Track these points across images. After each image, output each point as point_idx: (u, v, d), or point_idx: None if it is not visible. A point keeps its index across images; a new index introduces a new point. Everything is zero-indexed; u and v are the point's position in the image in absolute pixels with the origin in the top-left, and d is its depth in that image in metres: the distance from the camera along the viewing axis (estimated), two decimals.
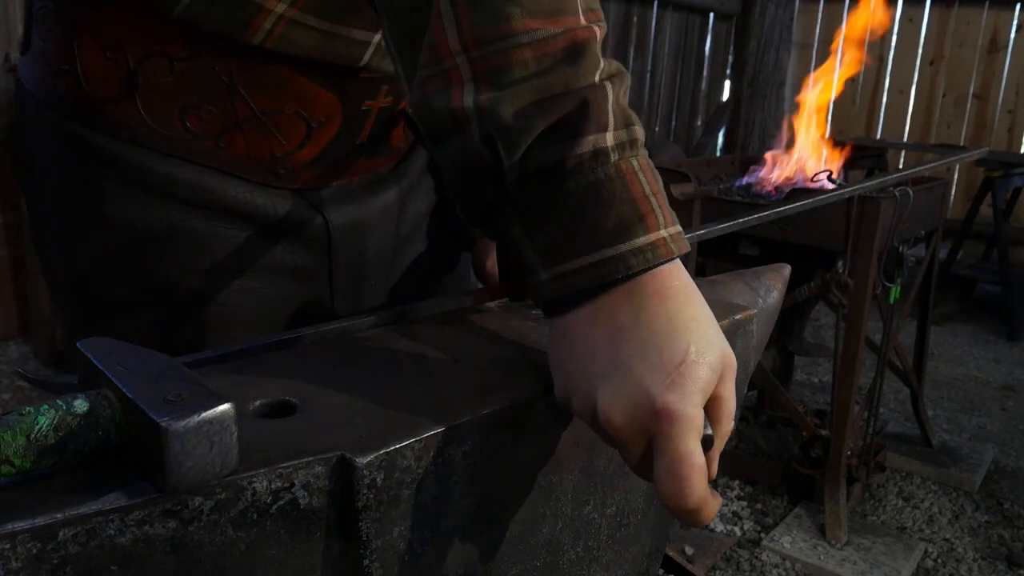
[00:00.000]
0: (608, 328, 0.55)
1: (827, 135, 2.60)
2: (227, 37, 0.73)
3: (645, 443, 0.54)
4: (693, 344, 0.53)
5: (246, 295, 0.83)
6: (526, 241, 0.57)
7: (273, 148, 0.79)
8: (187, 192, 0.78)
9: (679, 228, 0.57)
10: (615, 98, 0.56)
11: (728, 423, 0.57)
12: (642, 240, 0.54)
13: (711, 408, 0.55)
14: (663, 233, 0.55)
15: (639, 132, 0.58)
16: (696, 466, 0.52)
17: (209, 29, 0.73)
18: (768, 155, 2.56)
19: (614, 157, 0.55)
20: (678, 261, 0.57)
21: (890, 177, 1.36)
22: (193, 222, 0.79)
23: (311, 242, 0.86)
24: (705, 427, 0.53)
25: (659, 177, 0.58)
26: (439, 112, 0.56)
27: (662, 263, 0.55)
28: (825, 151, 2.58)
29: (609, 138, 0.55)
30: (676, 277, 0.56)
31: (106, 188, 0.78)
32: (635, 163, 0.56)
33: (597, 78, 0.56)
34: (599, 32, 0.57)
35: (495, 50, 0.54)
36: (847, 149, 2.69)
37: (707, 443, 0.53)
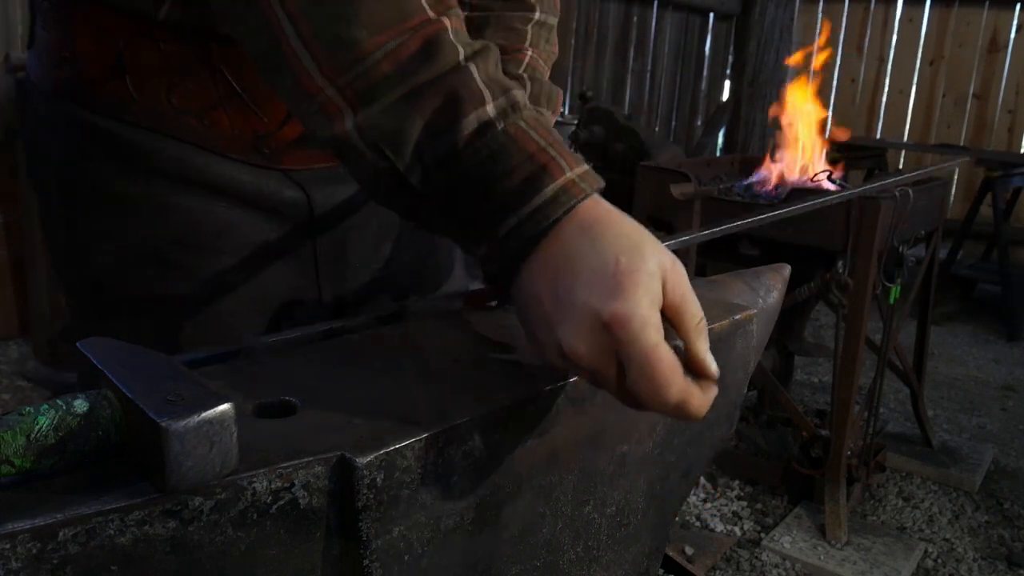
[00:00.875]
0: (549, 275, 0.56)
1: (827, 135, 2.60)
2: (208, 29, 0.77)
3: (615, 362, 0.54)
4: (622, 255, 0.55)
5: (236, 273, 0.85)
6: (453, 228, 0.61)
7: (255, 126, 0.82)
8: (176, 169, 0.81)
9: (585, 167, 0.59)
10: (483, 73, 0.59)
11: (692, 319, 0.56)
12: (551, 188, 0.57)
13: (668, 314, 0.56)
14: (570, 175, 0.58)
15: (518, 95, 0.60)
16: (663, 360, 0.52)
17: (191, 25, 0.76)
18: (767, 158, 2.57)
19: (500, 125, 0.58)
20: (594, 195, 0.59)
21: (900, 177, 1.36)
22: (183, 199, 0.82)
23: (295, 222, 0.88)
24: (673, 339, 0.54)
25: (552, 128, 0.61)
26: (328, 142, 0.60)
27: (576, 202, 0.57)
28: (825, 151, 2.58)
29: (490, 109, 0.58)
30: (594, 209, 0.58)
31: (103, 166, 0.81)
32: (522, 124, 0.59)
33: (461, 60, 0.58)
34: (450, 21, 0.60)
35: (356, 74, 0.57)
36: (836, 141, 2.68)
37: (678, 353, 0.54)
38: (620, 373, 0.54)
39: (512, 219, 0.57)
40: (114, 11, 0.77)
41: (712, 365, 0.56)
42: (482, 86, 0.58)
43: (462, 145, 0.57)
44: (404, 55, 0.57)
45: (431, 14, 0.59)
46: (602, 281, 0.54)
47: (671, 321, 0.56)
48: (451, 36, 0.59)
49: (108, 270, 0.85)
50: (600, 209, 0.58)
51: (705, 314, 0.78)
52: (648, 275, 0.54)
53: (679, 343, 0.55)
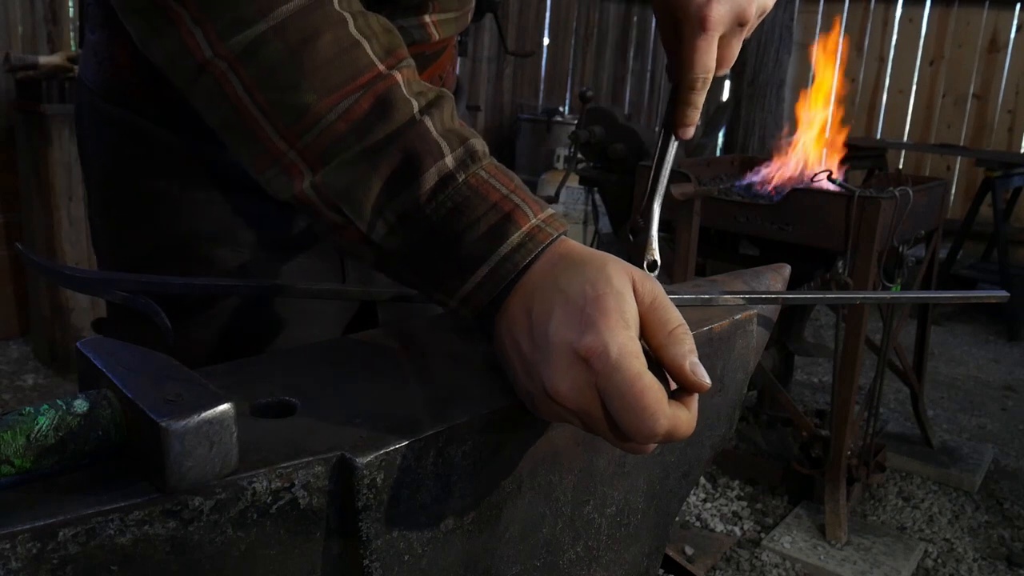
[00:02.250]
0: (524, 320, 0.56)
1: (827, 135, 2.60)
2: None
3: (598, 398, 0.52)
4: (587, 284, 0.54)
5: (263, 266, 0.87)
6: (422, 282, 0.60)
7: None
8: (208, 166, 0.83)
9: (551, 211, 0.59)
10: (439, 124, 0.59)
11: (664, 327, 0.54)
12: (517, 236, 0.57)
13: (643, 325, 0.54)
14: (535, 222, 0.58)
15: (477, 144, 0.60)
16: (647, 389, 0.50)
17: None
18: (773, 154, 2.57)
19: (461, 176, 0.58)
20: (563, 239, 0.59)
21: None
22: (212, 194, 0.84)
23: None
24: (655, 364, 0.52)
25: (513, 176, 0.60)
26: (289, 201, 0.61)
27: (543, 248, 0.57)
28: (825, 151, 2.58)
29: (449, 161, 0.58)
30: (561, 250, 0.58)
31: (137, 163, 0.85)
32: (483, 173, 0.59)
33: (416, 114, 0.59)
34: (402, 75, 0.60)
35: (312, 138, 0.58)
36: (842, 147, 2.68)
37: (663, 380, 0.52)
38: (606, 412, 0.53)
39: (482, 269, 0.57)
40: None
41: (695, 375, 0.53)
42: (439, 138, 0.58)
43: (424, 200, 0.57)
44: (358, 114, 0.58)
45: (381, 68, 0.59)
46: (573, 315, 0.53)
47: (645, 333, 0.54)
48: (403, 90, 0.59)
49: (139, 262, 0.87)
50: (566, 249, 0.58)
51: (704, 315, 0.78)
52: (616, 296, 0.53)
53: (662, 370, 0.54)
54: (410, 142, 0.58)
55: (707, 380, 0.53)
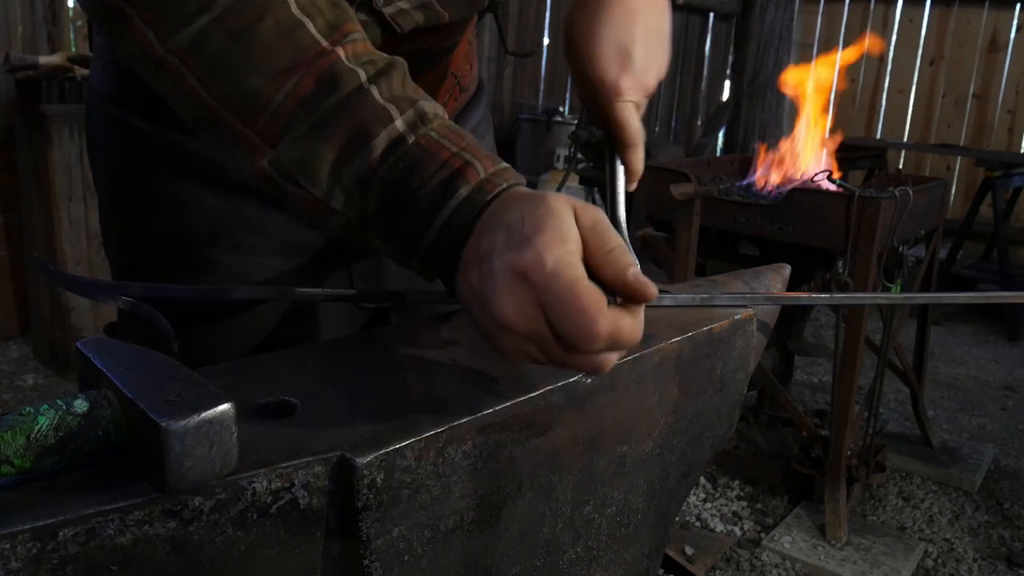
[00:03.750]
0: (475, 259, 0.57)
1: (827, 135, 2.60)
2: None
3: (543, 315, 0.52)
4: (526, 210, 0.55)
5: (267, 272, 0.86)
6: (384, 245, 0.62)
7: None
8: (209, 169, 0.83)
9: (503, 165, 0.61)
10: (387, 91, 0.61)
11: (602, 246, 0.54)
12: (465, 189, 0.58)
13: (585, 246, 0.54)
14: (484, 175, 0.59)
15: (427, 106, 0.62)
16: (584, 292, 0.51)
17: None
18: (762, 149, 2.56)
19: (411, 139, 0.60)
20: (514, 188, 0.60)
21: None
22: (215, 199, 0.84)
23: None
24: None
25: (465, 134, 0.62)
26: (256, 179, 0.63)
27: (492, 196, 0.59)
28: (824, 151, 2.58)
29: (399, 124, 0.60)
30: (513, 195, 0.58)
31: (140, 164, 0.85)
32: (433, 134, 0.60)
33: (364, 83, 0.60)
34: (346, 49, 0.61)
35: (267, 120, 0.60)
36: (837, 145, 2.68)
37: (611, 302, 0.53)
38: (551, 326, 0.53)
39: (435, 225, 0.59)
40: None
41: (640, 283, 0.53)
42: (387, 104, 0.60)
43: (376, 163, 0.59)
44: (303, 91, 0.60)
45: (325, 45, 0.61)
46: (511, 238, 0.54)
47: (586, 254, 0.54)
48: (347, 63, 0.61)
49: (143, 263, 0.88)
50: (515, 192, 0.59)
51: (704, 315, 0.78)
52: (555, 217, 0.54)
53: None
54: (358, 111, 0.59)
55: (652, 289, 0.54)
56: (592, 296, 0.51)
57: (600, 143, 0.83)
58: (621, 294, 0.54)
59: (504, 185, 0.59)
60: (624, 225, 0.80)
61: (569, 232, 0.54)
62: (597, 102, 0.80)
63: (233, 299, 0.82)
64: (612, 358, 0.55)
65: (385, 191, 0.59)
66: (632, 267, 0.54)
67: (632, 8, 0.80)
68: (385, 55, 0.63)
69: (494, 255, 0.54)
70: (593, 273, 0.54)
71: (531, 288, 0.52)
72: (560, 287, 0.51)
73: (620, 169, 0.82)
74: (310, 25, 0.61)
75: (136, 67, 0.65)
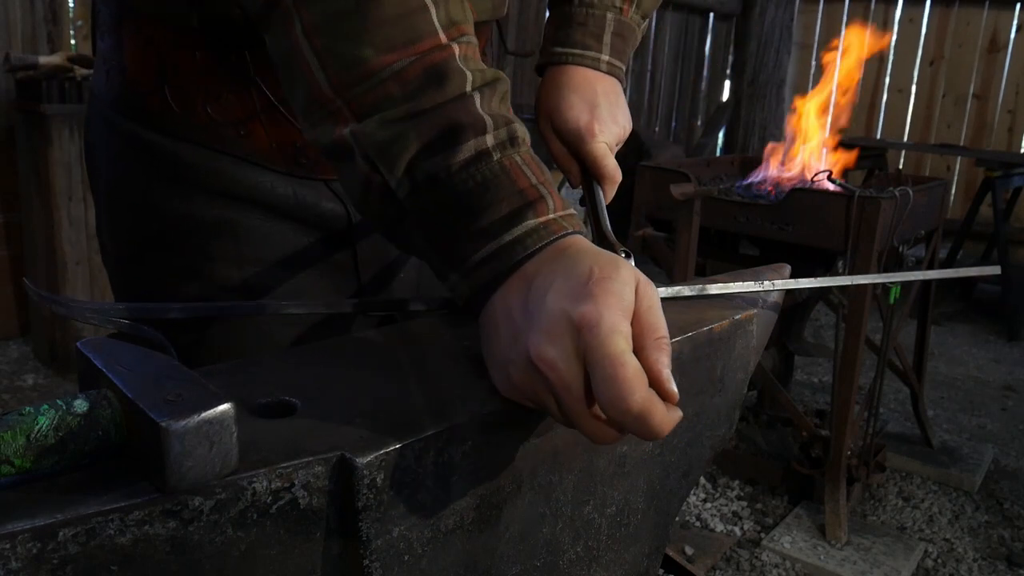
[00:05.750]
0: (522, 290, 0.57)
1: (827, 135, 2.60)
2: (243, 40, 0.78)
3: (582, 370, 0.53)
4: (595, 265, 0.55)
5: (275, 284, 0.86)
6: (429, 248, 0.61)
7: (293, 137, 0.83)
8: (213, 181, 0.82)
9: (571, 211, 0.61)
10: (487, 103, 0.60)
11: (652, 332, 0.55)
12: (533, 222, 0.58)
13: (633, 324, 0.54)
14: (553, 215, 0.59)
15: (520, 130, 0.61)
16: (629, 365, 0.51)
17: (226, 35, 0.78)
18: (768, 150, 2.56)
19: (496, 156, 0.59)
20: (576, 235, 0.60)
21: None
22: (219, 211, 0.83)
23: (333, 232, 0.88)
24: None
25: (546, 170, 0.62)
26: (327, 145, 0.62)
27: (556, 238, 0.58)
28: (825, 151, 2.58)
29: (489, 139, 0.59)
30: (571, 243, 0.58)
31: (141, 177, 0.84)
32: (518, 158, 0.60)
33: (468, 89, 0.60)
34: (461, 48, 0.61)
35: (362, 91, 0.60)
36: (854, 152, 2.68)
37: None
38: (586, 383, 0.53)
39: (491, 246, 0.58)
40: (157, 21, 0.79)
41: (670, 383, 0.54)
42: (485, 116, 0.59)
43: (456, 168, 0.58)
44: (409, 78, 0.59)
45: (442, 39, 0.60)
46: (575, 287, 0.54)
47: (634, 331, 0.55)
48: (459, 63, 0.60)
49: (143, 274, 0.87)
50: (578, 241, 0.59)
51: (704, 315, 0.78)
52: (621, 283, 0.54)
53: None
54: (456, 114, 0.59)
55: (677, 392, 0.54)
56: (635, 372, 0.51)
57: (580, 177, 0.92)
58: (655, 388, 0.54)
59: (569, 231, 0.59)
60: (612, 238, 0.85)
61: (629, 302, 0.54)
62: (573, 147, 0.90)
63: (230, 316, 0.82)
64: (621, 436, 0.55)
65: (454, 198, 0.58)
66: (669, 366, 0.54)
67: (592, 78, 0.92)
68: (491, 68, 0.63)
69: (548, 295, 0.54)
70: (635, 352, 0.54)
71: (579, 341, 0.52)
72: (610, 353, 0.51)
73: (598, 191, 0.90)
74: (433, 12, 0.60)
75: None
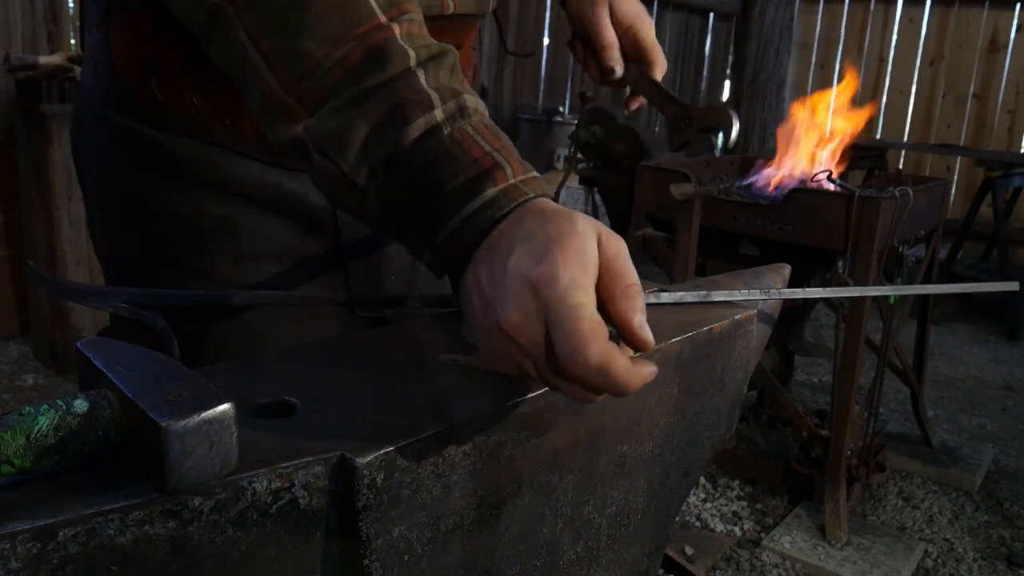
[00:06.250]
0: (488, 260, 0.57)
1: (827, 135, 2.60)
2: None
3: (544, 331, 0.52)
4: (553, 225, 0.55)
5: (261, 278, 0.86)
6: (400, 228, 0.62)
7: None
8: (200, 173, 0.82)
9: (532, 174, 0.61)
10: (432, 78, 0.61)
11: (620, 281, 0.55)
12: (492, 191, 0.58)
13: (603, 274, 0.54)
14: (512, 181, 0.59)
15: (469, 100, 0.61)
16: (584, 318, 0.51)
17: None
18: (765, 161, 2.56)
19: (447, 130, 0.59)
20: (539, 199, 0.59)
21: None
22: (205, 204, 0.83)
23: (320, 226, 0.87)
24: (610, 331, 0.53)
25: (501, 135, 0.62)
26: (284, 144, 0.63)
27: (517, 204, 0.58)
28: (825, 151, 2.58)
29: (438, 114, 0.59)
30: (534, 207, 0.58)
31: (129, 169, 0.84)
32: (469, 129, 0.60)
33: (412, 65, 0.60)
34: (402, 27, 0.62)
35: (310, 85, 0.60)
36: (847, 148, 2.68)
37: (612, 337, 0.52)
38: (549, 342, 0.53)
39: (454, 220, 0.58)
40: (143, 13, 0.79)
41: (641, 330, 0.53)
42: (431, 91, 0.60)
43: (408, 147, 0.59)
44: (352, 63, 0.60)
45: (382, 19, 0.61)
46: (533, 250, 0.54)
47: (601, 283, 0.54)
48: (400, 41, 0.61)
49: (133, 266, 0.87)
50: (541, 204, 0.59)
51: (704, 315, 0.78)
52: (580, 237, 0.54)
53: (611, 328, 0.53)
54: (401, 93, 0.59)
55: (651, 339, 0.54)
56: (592, 323, 0.51)
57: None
58: (622, 335, 0.54)
59: (531, 195, 0.59)
60: (682, 101, 1.04)
61: (590, 256, 0.54)
62: (632, 31, 1.02)
63: (229, 304, 0.82)
64: (597, 397, 0.55)
65: (411, 177, 0.59)
66: (641, 312, 0.54)
67: None
68: (438, 42, 0.63)
69: (510, 261, 0.54)
70: (603, 304, 0.54)
71: (539, 302, 0.52)
72: (566, 307, 0.51)
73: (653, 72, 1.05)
74: None
75: (186, 15, 0.65)
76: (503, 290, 0.54)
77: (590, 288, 0.53)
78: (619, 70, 1.02)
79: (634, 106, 1.08)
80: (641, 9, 1.03)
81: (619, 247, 0.55)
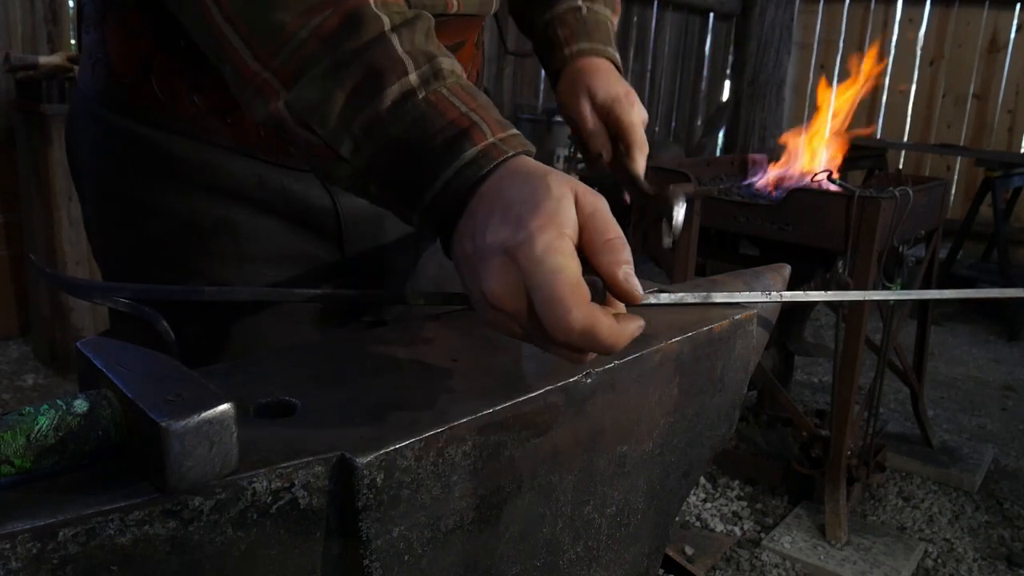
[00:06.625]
0: (470, 227, 0.57)
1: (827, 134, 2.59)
2: None
3: (526, 298, 0.53)
4: (527, 189, 0.55)
5: (259, 280, 0.85)
6: (386, 196, 0.62)
7: None
8: (199, 174, 0.82)
9: (512, 131, 0.61)
10: (408, 42, 0.61)
11: (600, 236, 0.54)
12: (471, 152, 0.58)
13: (583, 232, 0.54)
14: (491, 140, 0.59)
15: (444, 63, 0.61)
16: (565, 282, 0.51)
17: None
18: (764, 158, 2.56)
19: (422, 93, 0.59)
20: (520, 157, 0.59)
21: None
22: (204, 205, 0.83)
23: (321, 228, 0.87)
24: (595, 281, 0.53)
25: (478, 95, 0.62)
26: (264, 122, 0.62)
27: (497, 163, 0.58)
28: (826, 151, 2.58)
29: (413, 78, 0.59)
30: (514, 166, 0.58)
31: (132, 169, 0.83)
32: (444, 91, 0.60)
33: (386, 29, 0.60)
34: None
35: (286, 56, 0.60)
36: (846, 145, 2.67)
37: (598, 291, 0.53)
38: (531, 309, 0.53)
39: (437, 183, 0.58)
40: (139, 12, 0.79)
41: (627, 281, 0.53)
42: (404, 55, 0.60)
43: (385, 113, 0.59)
44: (327, 30, 0.59)
45: None
46: (509, 216, 0.54)
47: (582, 240, 0.54)
48: (373, 7, 0.60)
49: (129, 265, 0.87)
50: (521, 163, 0.59)
51: (705, 315, 0.78)
52: (554, 200, 0.54)
53: (595, 278, 0.53)
54: (375, 58, 0.59)
55: (639, 290, 0.54)
56: (572, 288, 0.51)
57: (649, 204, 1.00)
58: (609, 289, 0.54)
59: (511, 152, 0.59)
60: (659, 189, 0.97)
61: (565, 217, 0.53)
62: (610, 115, 0.98)
63: (230, 300, 0.82)
64: (586, 356, 0.55)
65: (391, 143, 0.59)
66: (625, 264, 0.54)
67: (614, 74, 1.02)
68: (413, 9, 0.63)
69: (488, 230, 0.54)
70: (587, 261, 0.54)
71: (518, 270, 0.52)
72: (544, 273, 0.51)
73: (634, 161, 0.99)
74: None
75: None
76: (483, 261, 0.54)
77: (568, 250, 0.52)
78: (606, 156, 1.00)
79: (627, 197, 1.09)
80: (622, 88, 0.99)
81: (596, 203, 0.55)
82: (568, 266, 0.52)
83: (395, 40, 0.60)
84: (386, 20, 0.60)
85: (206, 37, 0.63)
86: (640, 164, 0.99)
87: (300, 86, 0.60)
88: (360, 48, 0.59)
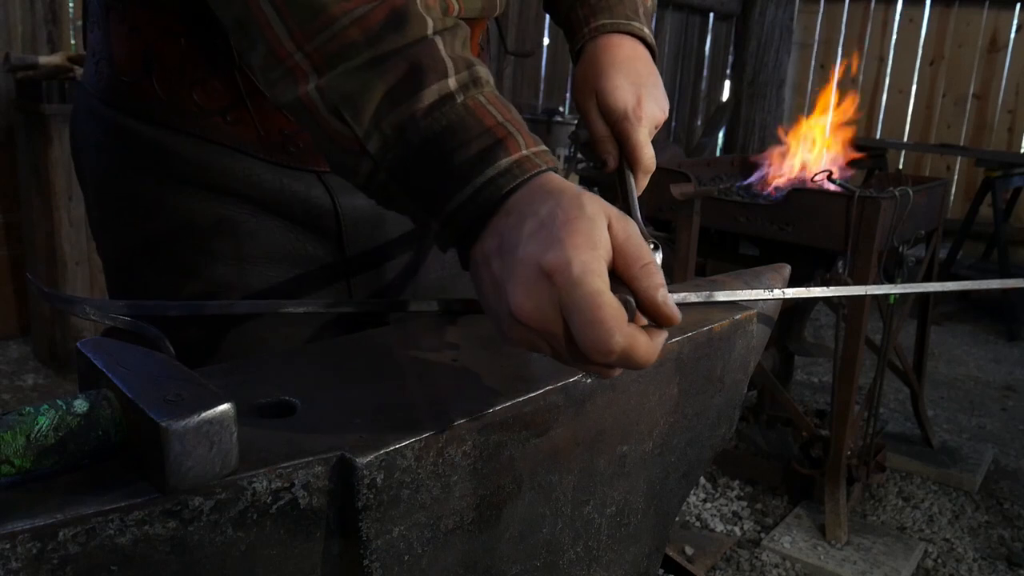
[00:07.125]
0: (496, 241, 0.56)
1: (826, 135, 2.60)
2: None
3: (560, 317, 0.52)
4: (561, 208, 0.54)
5: (259, 281, 0.84)
6: (408, 199, 0.61)
7: (281, 124, 0.82)
8: (208, 175, 0.81)
9: (543, 147, 0.60)
10: (449, 47, 0.60)
11: (636, 262, 0.54)
12: (506, 161, 0.57)
13: (615, 259, 0.54)
14: (525, 152, 0.58)
15: (481, 71, 0.61)
16: (605, 305, 0.50)
17: (210, 18, 0.76)
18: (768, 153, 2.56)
19: (460, 98, 0.59)
20: (549, 173, 0.59)
21: None
22: (204, 204, 0.82)
23: (321, 228, 0.86)
24: (625, 293, 0.53)
25: (511, 108, 0.61)
26: (290, 105, 0.61)
27: (530, 176, 0.58)
28: (826, 151, 2.58)
29: (452, 82, 0.59)
30: (544, 182, 0.58)
31: (136, 168, 0.83)
32: (482, 98, 0.60)
33: (430, 32, 0.60)
34: None
35: (325, 39, 0.59)
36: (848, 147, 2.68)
37: (631, 309, 0.52)
38: (567, 330, 0.53)
39: (467, 189, 0.57)
40: (141, 9, 0.79)
41: (667, 306, 0.53)
42: (447, 58, 0.59)
43: (421, 114, 0.58)
44: (372, 22, 0.59)
45: None
46: (542, 234, 0.53)
47: (616, 266, 0.54)
48: (419, 8, 0.60)
49: (129, 263, 0.87)
50: (550, 180, 0.58)
51: (705, 315, 0.78)
52: (588, 221, 0.53)
53: (629, 297, 0.54)
54: (418, 57, 0.59)
55: (677, 313, 0.54)
56: (613, 310, 0.51)
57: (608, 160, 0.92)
58: (647, 313, 0.54)
59: (543, 167, 0.58)
60: (642, 227, 0.83)
61: (600, 239, 0.53)
62: (617, 128, 0.91)
63: (230, 314, 0.81)
64: (617, 371, 0.55)
65: (423, 144, 0.58)
66: (662, 287, 0.54)
67: (634, 55, 0.93)
68: (450, 16, 0.63)
69: (520, 245, 0.54)
70: (625, 285, 0.54)
71: (553, 289, 0.52)
72: (583, 295, 0.51)
73: (632, 179, 0.91)
74: None
75: None
76: (513, 276, 0.53)
77: (604, 272, 0.52)
78: (611, 163, 0.93)
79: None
80: (631, 97, 0.90)
81: (629, 228, 0.55)
82: (605, 289, 0.51)
83: (438, 42, 0.60)
84: (430, 22, 0.60)
85: (239, 11, 0.61)
86: (641, 185, 0.93)
87: (336, 73, 0.59)
88: (404, 45, 0.59)
